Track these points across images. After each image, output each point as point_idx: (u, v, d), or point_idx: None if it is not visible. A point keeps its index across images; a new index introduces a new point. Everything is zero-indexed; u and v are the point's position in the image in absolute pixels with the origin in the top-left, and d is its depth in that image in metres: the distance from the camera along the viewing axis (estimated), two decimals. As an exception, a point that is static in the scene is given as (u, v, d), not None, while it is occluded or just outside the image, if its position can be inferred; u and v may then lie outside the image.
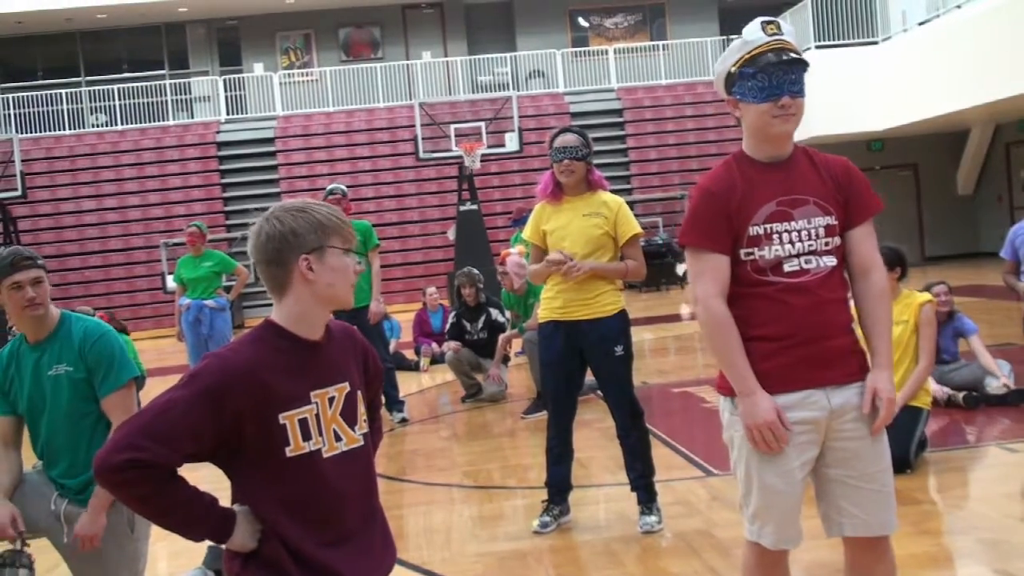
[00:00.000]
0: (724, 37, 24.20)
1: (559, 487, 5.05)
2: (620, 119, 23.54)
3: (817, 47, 20.35)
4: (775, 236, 2.71)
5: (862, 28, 20.80)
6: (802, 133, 22.36)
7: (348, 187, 9.30)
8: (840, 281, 2.80)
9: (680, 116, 23.49)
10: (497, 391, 8.93)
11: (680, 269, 19.23)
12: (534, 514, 5.24)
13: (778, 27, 2.76)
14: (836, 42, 20.58)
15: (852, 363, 2.77)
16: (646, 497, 4.89)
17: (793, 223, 2.72)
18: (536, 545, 4.82)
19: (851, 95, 19.68)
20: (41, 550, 3.65)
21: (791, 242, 2.71)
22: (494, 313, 9.13)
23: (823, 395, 2.72)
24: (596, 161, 5.20)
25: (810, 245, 2.72)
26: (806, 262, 2.72)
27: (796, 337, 2.71)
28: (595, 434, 7.13)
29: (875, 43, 20.44)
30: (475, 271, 9.41)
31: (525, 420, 7.94)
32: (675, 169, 22.96)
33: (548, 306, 4.98)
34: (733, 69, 2.78)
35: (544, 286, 5.03)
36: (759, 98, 2.72)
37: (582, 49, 25.49)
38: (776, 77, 2.69)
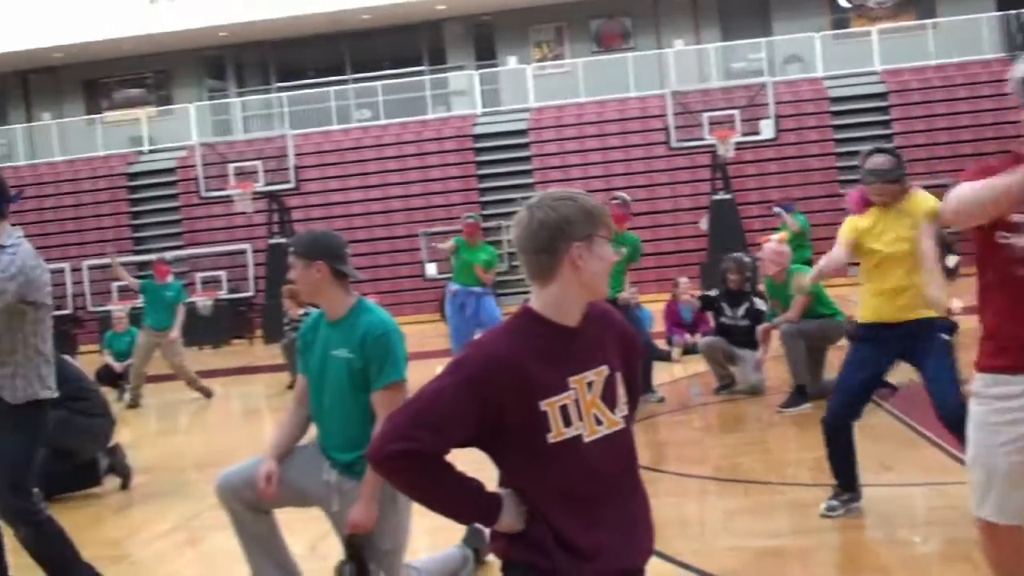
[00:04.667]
0: (1002, 13, 22.55)
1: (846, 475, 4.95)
2: (884, 103, 22.40)
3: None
4: None
5: None
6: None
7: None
8: None
9: (952, 99, 22.02)
10: (758, 383, 8.65)
11: (951, 261, 18.07)
12: (795, 511, 5.07)
13: None
14: None
15: None
16: None
17: None
18: (797, 543, 4.64)
19: None
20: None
21: None
22: (757, 302, 8.84)
23: None
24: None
25: None
26: None
27: None
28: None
29: None
30: (746, 259, 9.16)
31: (783, 414, 7.68)
32: (943, 155, 21.52)
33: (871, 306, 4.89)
34: None
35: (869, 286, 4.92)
36: None
37: (843, 31, 24.45)
38: None
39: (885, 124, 22.09)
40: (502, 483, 2.34)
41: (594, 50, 25.69)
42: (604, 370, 2.35)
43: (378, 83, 25.03)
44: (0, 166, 25.19)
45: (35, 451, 4.11)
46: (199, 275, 21.99)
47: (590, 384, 2.31)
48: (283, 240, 19.59)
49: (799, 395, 7.80)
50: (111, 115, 26.88)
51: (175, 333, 11.39)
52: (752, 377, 8.66)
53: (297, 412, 3.91)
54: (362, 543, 3.61)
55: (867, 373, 4.86)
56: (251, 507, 3.75)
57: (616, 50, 25.40)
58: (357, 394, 3.65)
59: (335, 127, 24.79)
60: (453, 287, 10.20)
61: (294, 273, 3.75)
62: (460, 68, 26.16)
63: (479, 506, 2.27)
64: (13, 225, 4.12)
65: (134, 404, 11.46)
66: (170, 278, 11.96)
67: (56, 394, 4.16)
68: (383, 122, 24.67)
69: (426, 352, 13.12)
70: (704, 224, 19.44)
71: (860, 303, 4.96)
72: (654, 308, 13.07)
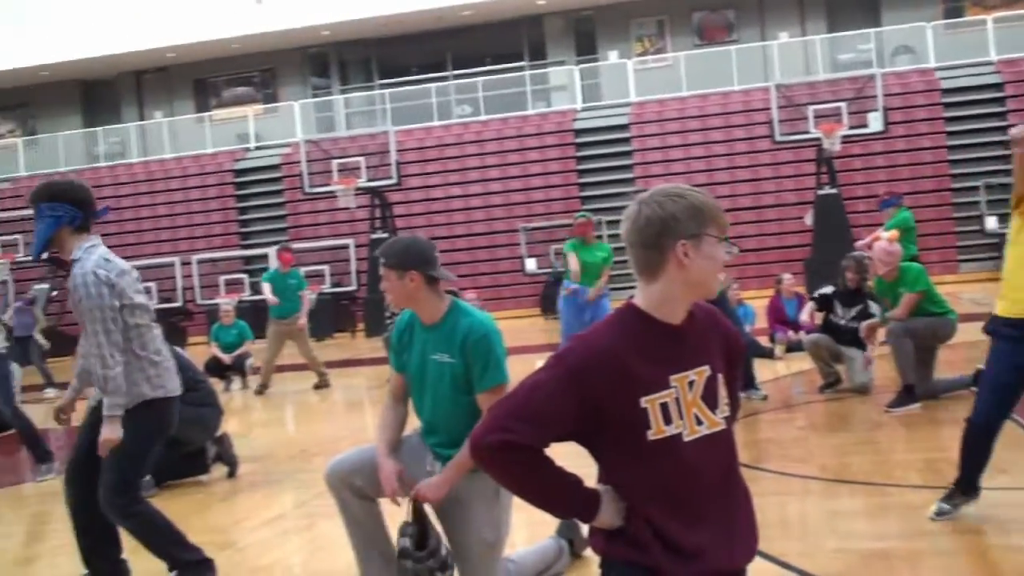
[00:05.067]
0: None
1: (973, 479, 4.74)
2: (1000, 94, 21.62)
3: None
4: None
5: None
6: None
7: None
8: None
9: (1074, 88, 21.20)
10: (866, 382, 8.44)
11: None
12: (904, 513, 4.92)
13: None
14: None
15: None
16: None
17: None
18: (905, 546, 4.50)
19: None
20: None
21: None
22: (872, 307, 8.60)
23: None
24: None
25: None
26: None
27: None
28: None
29: None
30: (866, 259, 8.95)
31: (891, 414, 7.49)
32: (1064, 147, 20.76)
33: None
34: None
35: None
36: None
37: (956, 20, 23.69)
38: None
39: (1000, 116, 21.27)
40: (601, 479, 2.33)
41: (696, 43, 25.40)
42: (706, 370, 2.32)
43: (479, 79, 25.18)
44: (114, 163, 26.12)
45: (148, 449, 4.24)
46: (303, 269, 22.42)
47: (691, 383, 2.29)
48: (385, 235, 19.85)
49: (907, 395, 7.59)
50: (219, 113, 27.62)
51: (303, 320, 11.73)
52: (860, 376, 8.46)
53: (395, 408, 3.94)
54: (425, 511, 3.64)
55: (1016, 373, 4.58)
56: (359, 494, 3.81)
57: (719, 43, 25.08)
58: (459, 396, 3.68)
59: (436, 123, 25.01)
60: (572, 285, 10.17)
61: (386, 284, 3.74)
62: (560, 63, 26.15)
63: (577, 501, 2.26)
64: (97, 223, 4.27)
65: (260, 391, 11.97)
66: (291, 266, 12.22)
67: (172, 393, 4.28)
68: (484, 118, 24.80)
69: (526, 347, 13.16)
70: (809, 219, 19.05)
71: (1005, 295, 4.61)
72: (757, 304, 12.88)
